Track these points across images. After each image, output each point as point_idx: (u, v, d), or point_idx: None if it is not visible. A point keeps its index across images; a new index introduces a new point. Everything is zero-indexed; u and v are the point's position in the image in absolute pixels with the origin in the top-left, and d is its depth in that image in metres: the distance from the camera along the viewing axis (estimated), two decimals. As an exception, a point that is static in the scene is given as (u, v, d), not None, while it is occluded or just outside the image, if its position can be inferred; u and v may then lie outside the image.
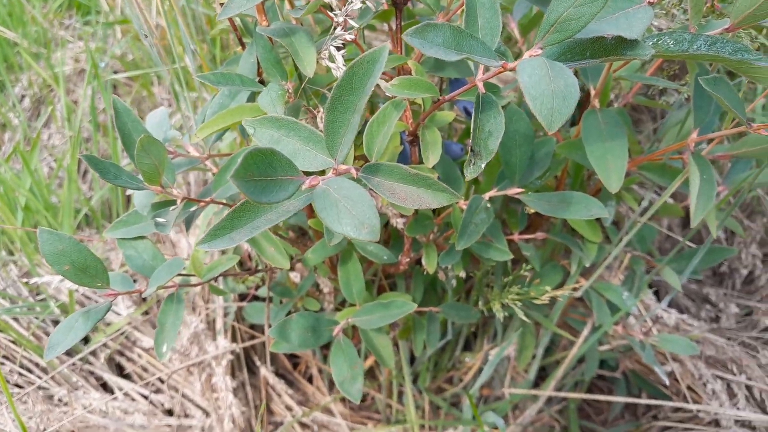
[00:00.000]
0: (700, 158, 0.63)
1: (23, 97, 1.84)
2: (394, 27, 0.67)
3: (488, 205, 0.67)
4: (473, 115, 0.51)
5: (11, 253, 1.32)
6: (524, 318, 0.78)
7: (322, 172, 0.51)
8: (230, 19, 0.68)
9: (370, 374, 1.16)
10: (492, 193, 0.68)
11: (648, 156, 0.73)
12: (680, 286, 0.80)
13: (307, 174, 0.48)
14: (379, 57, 0.45)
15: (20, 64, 1.91)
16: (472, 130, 0.51)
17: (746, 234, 1.31)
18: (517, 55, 0.77)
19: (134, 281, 0.71)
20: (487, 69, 0.51)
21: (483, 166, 0.50)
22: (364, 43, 0.73)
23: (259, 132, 0.55)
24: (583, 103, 0.77)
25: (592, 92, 0.67)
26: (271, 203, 0.44)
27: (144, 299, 1.15)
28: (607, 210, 0.76)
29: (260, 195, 0.42)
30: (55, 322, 1.16)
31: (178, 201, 0.66)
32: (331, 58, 0.58)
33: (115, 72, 1.85)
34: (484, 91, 0.52)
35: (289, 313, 0.96)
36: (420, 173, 0.51)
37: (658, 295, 1.29)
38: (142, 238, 0.71)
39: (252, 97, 0.71)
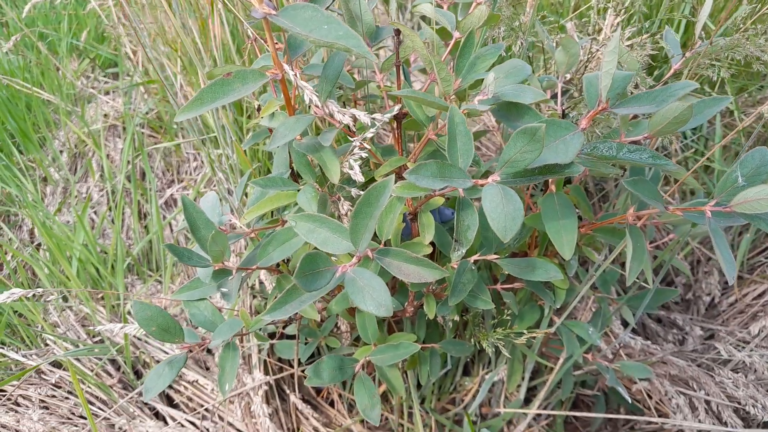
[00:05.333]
0: (634, 230, 0.82)
1: (61, 152, 2.04)
2: (397, 132, 0.87)
3: (473, 267, 0.86)
4: (455, 213, 0.71)
5: (66, 299, 1.51)
6: (507, 354, 0.96)
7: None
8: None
9: (384, 398, 1.35)
10: (476, 257, 0.87)
11: (600, 222, 0.92)
12: (634, 322, 0.99)
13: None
14: (388, 184, 0.65)
15: (56, 121, 2.11)
16: (455, 224, 0.71)
17: (708, 265, 1.50)
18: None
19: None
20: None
21: (464, 251, 0.70)
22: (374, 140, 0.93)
23: (300, 225, 0.75)
24: (546, 185, 0.97)
25: (551, 179, 0.87)
26: (316, 289, 0.63)
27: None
28: (572, 262, 0.96)
29: (310, 285, 0.61)
30: (113, 362, 1.35)
31: (234, 271, 0.85)
32: (350, 167, 0.77)
33: (141, 126, 2.06)
34: (463, 196, 0.71)
35: (315, 352, 1.15)
36: (419, 257, 0.70)
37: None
38: (203, 299, 0.90)
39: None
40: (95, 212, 1.81)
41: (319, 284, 0.62)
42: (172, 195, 1.81)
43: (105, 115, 2.11)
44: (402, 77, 0.99)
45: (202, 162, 1.89)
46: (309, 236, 0.73)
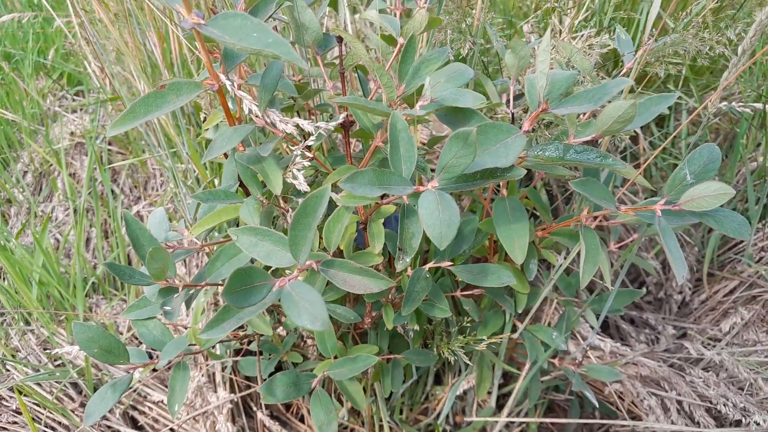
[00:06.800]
0: (588, 231, 0.81)
1: (25, 173, 2.00)
2: (346, 141, 0.85)
3: (427, 275, 0.84)
4: (399, 220, 0.69)
5: (28, 323, 1.47)
6: (469, 363, 0.94)
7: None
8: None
9: (355, 411, 1.32)
10: (431, 264, 0.85)
11: (557, 225, 0.90)
12: (598, 325, 0.97)
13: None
14: (324, 193, 0.63)
15: (20, 140, 2.07)
16: (399, 233, 0.69)
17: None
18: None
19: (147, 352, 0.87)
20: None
21: (409, 260, 0.68)
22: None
23: (241, 238, 0.72)
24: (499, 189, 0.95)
25: (501, 183, 0.85)
26: (250, 306, 0.60)
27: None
28: (531, 266, 0.95)
29: (242, 302, 0.59)
30: (74, 385, 1.31)
31: (180, 289, 0.83)
32: (294, 177, 0.75)
33: (109, 144, 2.03)
34: (407, 202, 0.69)
35: (279, 365, 1.13)
36: (364, 267, 0.68)
37: (606, 323, 1.46)
38: (152, 318, 0.87)
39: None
40: (60, 232, 1.77)
41: (253, 300, 0.60)
42: (138, 212, 1.78)
43: (71, 133, 2.08)
44: (359, 85, 0.97)
45: (168, 177, 1.86)
46: (251, 250, 0.71)
